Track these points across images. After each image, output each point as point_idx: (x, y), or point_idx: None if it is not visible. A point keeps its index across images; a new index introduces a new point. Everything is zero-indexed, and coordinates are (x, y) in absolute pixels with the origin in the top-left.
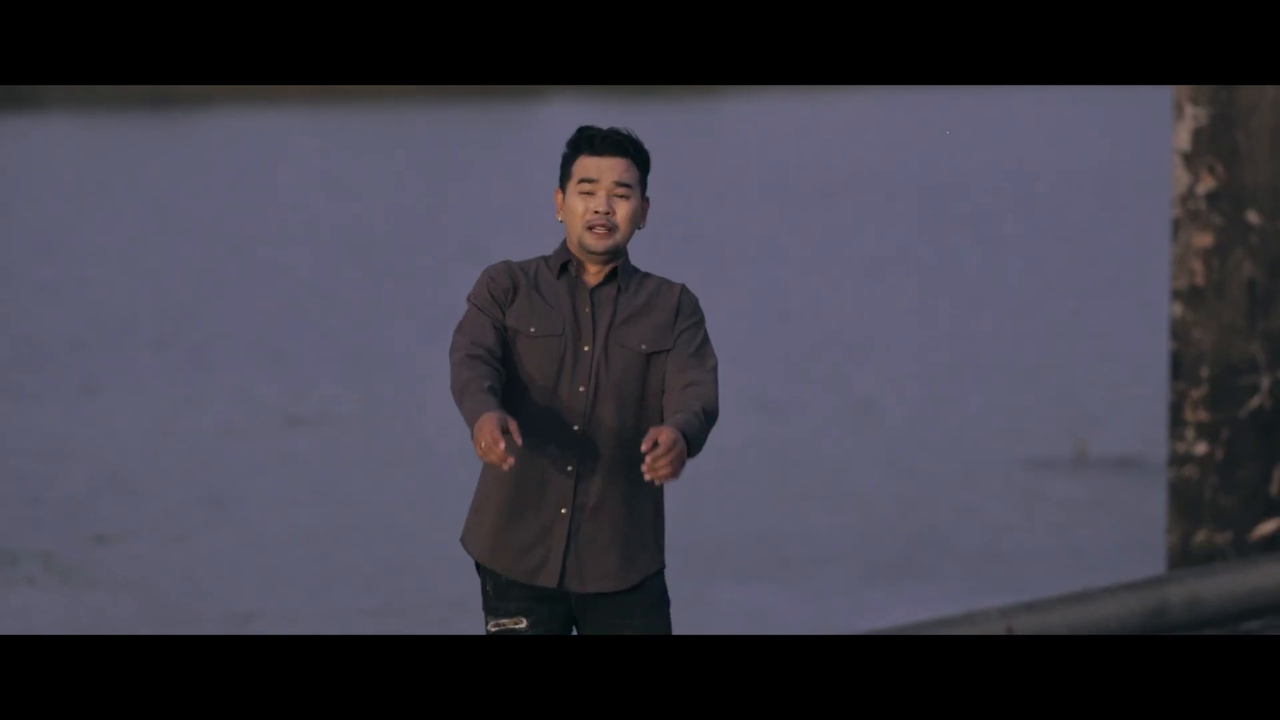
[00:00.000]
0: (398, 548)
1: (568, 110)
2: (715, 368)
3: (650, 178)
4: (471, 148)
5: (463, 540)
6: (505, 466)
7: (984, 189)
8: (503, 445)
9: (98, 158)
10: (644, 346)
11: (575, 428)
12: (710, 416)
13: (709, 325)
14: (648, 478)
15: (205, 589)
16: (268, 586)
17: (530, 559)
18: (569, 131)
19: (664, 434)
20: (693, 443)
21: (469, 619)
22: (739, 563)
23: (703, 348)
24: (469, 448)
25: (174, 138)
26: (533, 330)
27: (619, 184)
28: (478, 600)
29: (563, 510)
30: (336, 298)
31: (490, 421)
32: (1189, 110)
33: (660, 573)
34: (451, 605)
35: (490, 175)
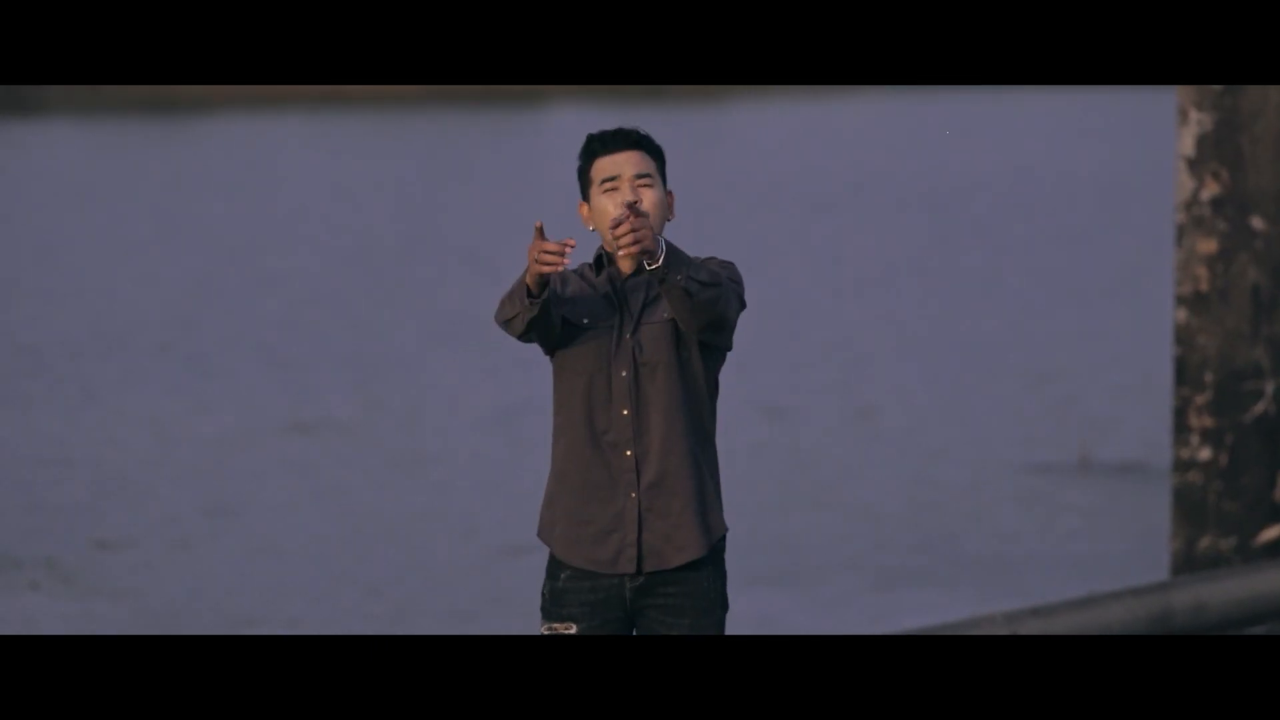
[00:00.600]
0: (402, 555)
1: (571, 115)
2: (734, 276)
3: None
4: (475, 153)
5: (540, 535)
6: (565, 250)
7: (988, 194)
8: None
9: (100, 162)
10: (666, 314)
11: (625, 411)
12: (709, 273)
13: None
14: (619, 239)
15: (208, 595)
16: (271, 593)
17: (606, 548)
18: (572, 136)
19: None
20: (677, 255)
21: (475, 625)
22: (744, 569)
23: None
24: (473, 451)
25: (176, 143)
26: (585, 321)
27: (639, 175)
28: (485, 606)
29: (632, 494)
30: (339, 304)
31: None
32: (1193, 116)
33: (721, 545)
34: (456, 613)
35: (494, 180)
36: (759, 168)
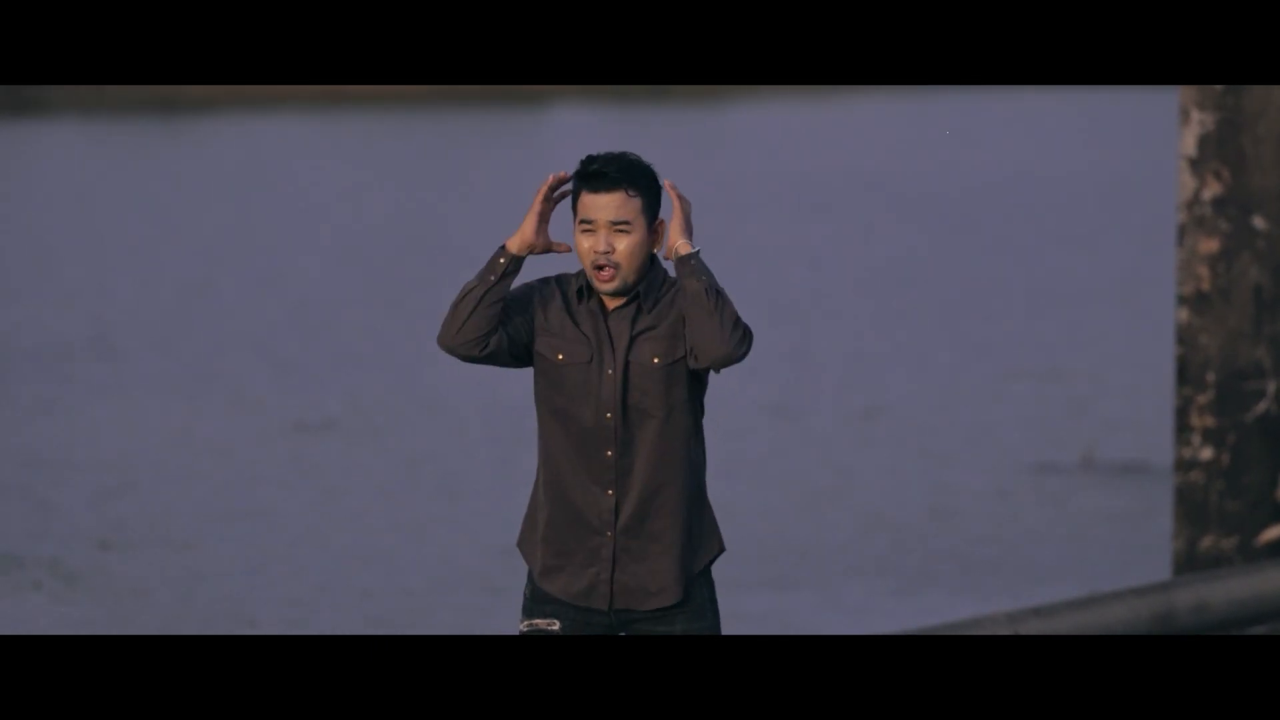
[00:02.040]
0: (405, 556)
1: (573, 116)
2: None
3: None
4: (476, 154)
5: (519, 547)
6: (555, 179)
7: (989, 194)
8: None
9: (102, 163)
10: (656, 360)
11: (608, 453)
12: (730, 303)
13: None
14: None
15: (210, 596)
16: (274, 594)
17: (581, 581)
18: (574, 137)
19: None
20: (702, 266)
21: (477, 625)
22: (749, 571)
23: None
24: (476, 455)
25: (178, 143)
26: (561, 358)
27: (615, 223)
28: (486, 607)
29: (608, 534)
30: (343, 304)
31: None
32: (1195, 116)
33: (708, 569)
34: (460, 611)
35: (496, 181)
36: (760, 169)
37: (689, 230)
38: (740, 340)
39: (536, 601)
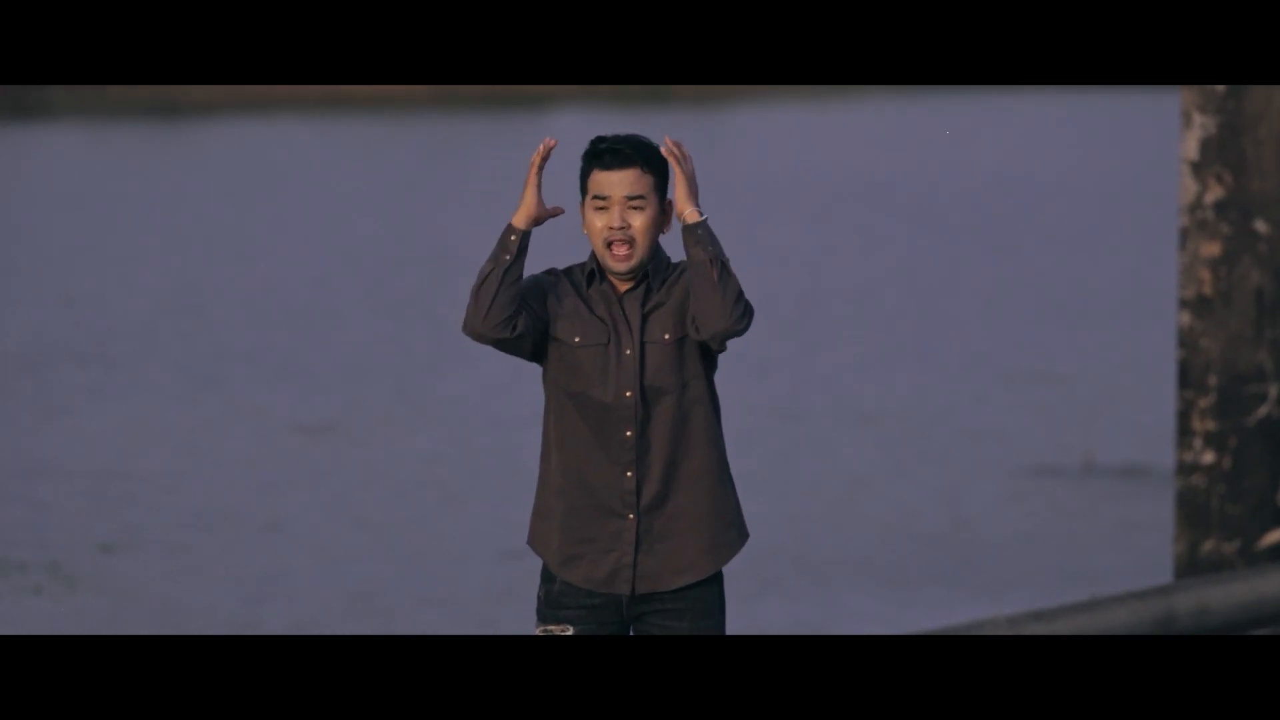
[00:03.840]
0: (406, 558)
1: (573, 119)
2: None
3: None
4: (477, 157)
5: (531, 544)
6: (545, 146)
7: (990, 197)
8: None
9: (103, 166)
10: (666, 336)
11: (628, 433)
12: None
13: None
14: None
15: (211, 599)
16: (274, 597)
17: (602, 567)
18: (575, 140)
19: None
20: (709, 235)
21: (478, 627)
22: (750, 573)
23: None
24: (479, 457)
25: (179, 147)
26: (578, 340)
27: (630, 197)
28: (485, 609)
29: (630, 516)
30: (343, 307)
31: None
32: (1197, 119)
33: (721, 570)
34: (458, 613)
35: (496, 184)
36: (762, 171)
37: (695, 194)
38: (741, 316)
39: (550, 606)
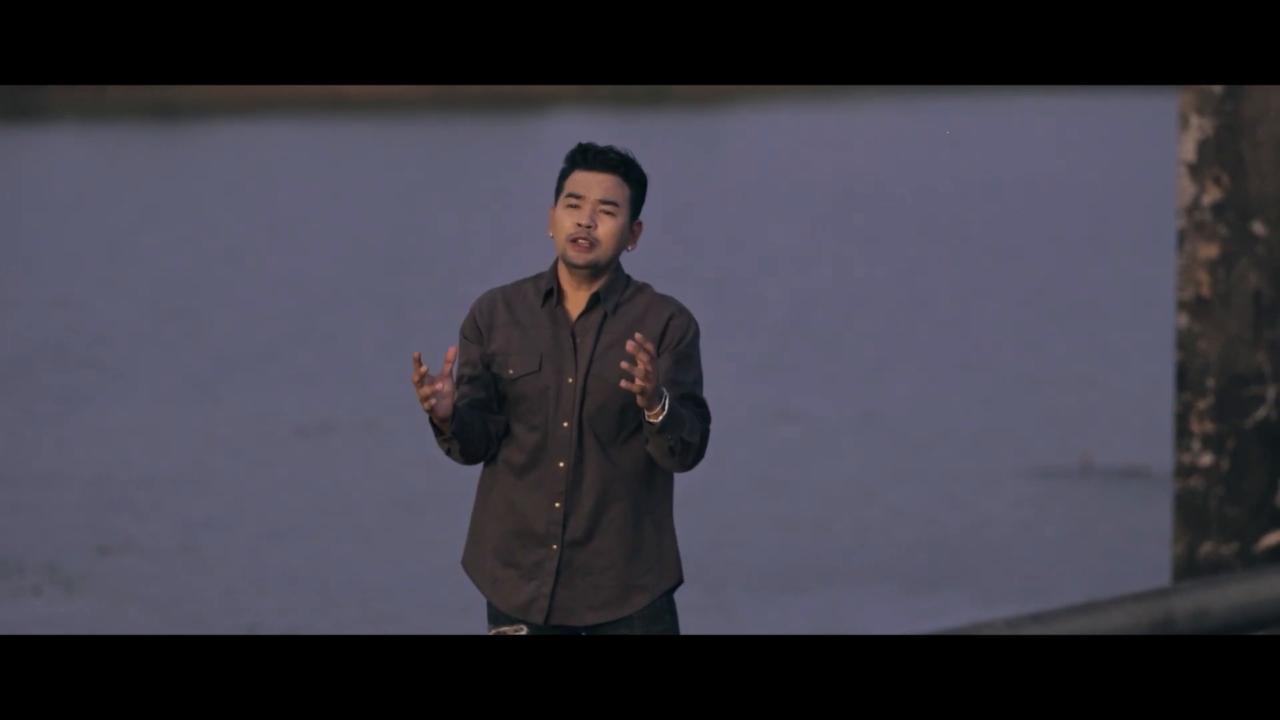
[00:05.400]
0: (405, 559)
1: (573, 121)
2: (706, 415)
3: (658, 189)
4: (476, 159)
5: (464, 564)
6: (424, 389)
7: (989, 198)
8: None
9: (101, 168)
10: (620, 379)
11: (561, 464)
12: (699, 435)
13: (720, 337)
14: (624, 366)
15: (210, 600)
16: (274, 598)
17: (521, 594)
18: (573, 143)
19: (649, 359)
20: (673, 414)
21: (477, 628)
22: (746, 573)
23: (691, 390)
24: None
25: (178, 148)
26: (510, 373)
27: (604, 201)
28: (484, 610)
29: (553, 546)
30: (342, 308)
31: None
32: (1194, 121)
33: (670, 593)
34: (460, 612)
35: (495, 186)
36: (760, 172)
37: (658, 394)
38: (690, 467)
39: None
